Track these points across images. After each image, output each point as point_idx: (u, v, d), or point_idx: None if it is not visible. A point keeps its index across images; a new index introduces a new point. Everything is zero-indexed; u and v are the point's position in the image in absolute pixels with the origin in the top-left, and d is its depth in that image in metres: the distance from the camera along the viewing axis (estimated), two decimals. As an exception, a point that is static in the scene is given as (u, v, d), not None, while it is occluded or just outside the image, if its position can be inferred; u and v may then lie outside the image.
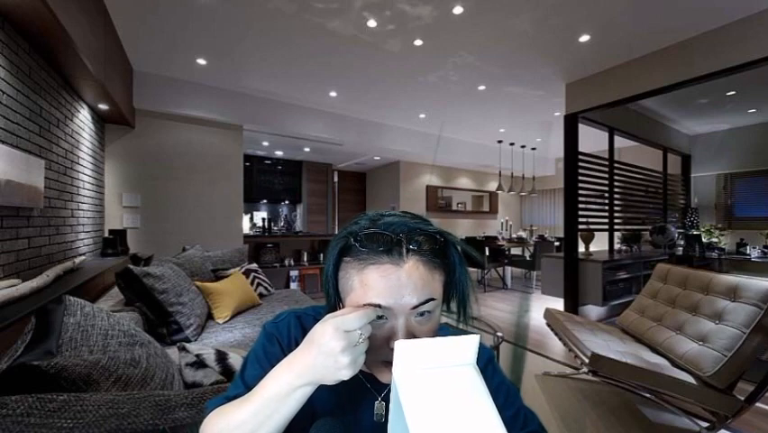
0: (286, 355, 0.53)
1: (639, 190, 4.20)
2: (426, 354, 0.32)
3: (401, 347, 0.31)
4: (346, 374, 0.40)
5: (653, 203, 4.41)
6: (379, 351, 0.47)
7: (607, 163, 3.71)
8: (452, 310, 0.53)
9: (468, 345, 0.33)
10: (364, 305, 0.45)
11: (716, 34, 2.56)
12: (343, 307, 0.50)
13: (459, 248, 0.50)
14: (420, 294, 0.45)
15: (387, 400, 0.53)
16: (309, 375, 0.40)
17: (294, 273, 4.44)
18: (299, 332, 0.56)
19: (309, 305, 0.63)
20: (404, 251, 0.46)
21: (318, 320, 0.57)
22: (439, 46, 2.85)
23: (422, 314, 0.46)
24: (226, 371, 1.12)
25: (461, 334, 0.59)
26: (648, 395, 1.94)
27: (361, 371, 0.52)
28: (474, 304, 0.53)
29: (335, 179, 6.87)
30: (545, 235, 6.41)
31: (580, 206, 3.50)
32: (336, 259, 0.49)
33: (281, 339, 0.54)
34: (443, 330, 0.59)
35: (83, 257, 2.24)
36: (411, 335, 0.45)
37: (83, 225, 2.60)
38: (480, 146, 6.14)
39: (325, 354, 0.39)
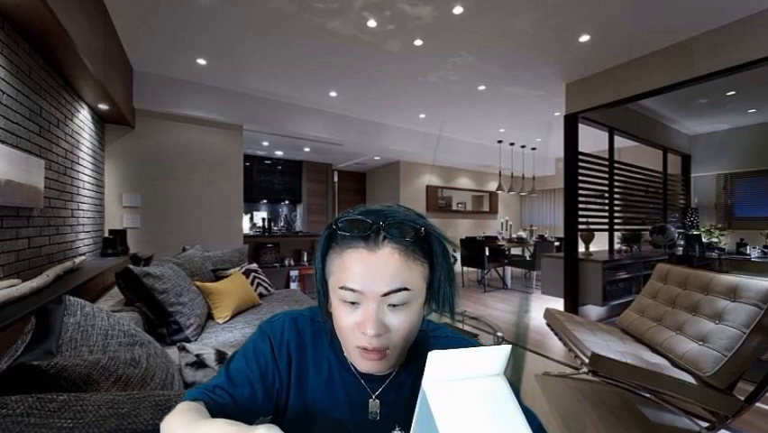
0: (274, 355, 0.54)
1: (639, 190, 4.20)
2: (458, 365, 0.32)
3: (433, 357, 0.31)
4: None
5: (653, 203, 4.41)
6: (352, 336, 0.47)
7: (607, 163, 3.71)
8: (440, 310, 0.52)
9: (499, 355, 0.33)
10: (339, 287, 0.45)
11: (716, 34, 2.56)
12: (329, 297, 0.50)
13: (442, 242, 0.49)
14: (392, 282, 0.45)
15: (380, 398, 0.53)
16: None
17: (294, 273, 4.44)
18: (293, 334, 0.56)
19: (308, 306, 0.63)
20: (380, 238, 0.46)
21: (315, 321, 0.57)
22: (439, 46, 2.85)
23: (395, 304, 0.46)
24: (226, 371, 1.11)
25: (461, 333, 0.59)
26: (648, 395, 1.94)
27: (355, 368, 0.53)
28: (456, 299, 0.52)
29: (335, 179, 6.86)
30: (545, 235, 6.41)
31: (580, 206, 3.50)
32: (324, 247, 0.50)
33: (273, 339, 0.55)
34: (440, 330, 0.59)
35: (83, 257, 2.24)
36: (381, 322, 0.45)
37: (83, 225, 2.60)
38: (480, 146, 6.14)
39: None
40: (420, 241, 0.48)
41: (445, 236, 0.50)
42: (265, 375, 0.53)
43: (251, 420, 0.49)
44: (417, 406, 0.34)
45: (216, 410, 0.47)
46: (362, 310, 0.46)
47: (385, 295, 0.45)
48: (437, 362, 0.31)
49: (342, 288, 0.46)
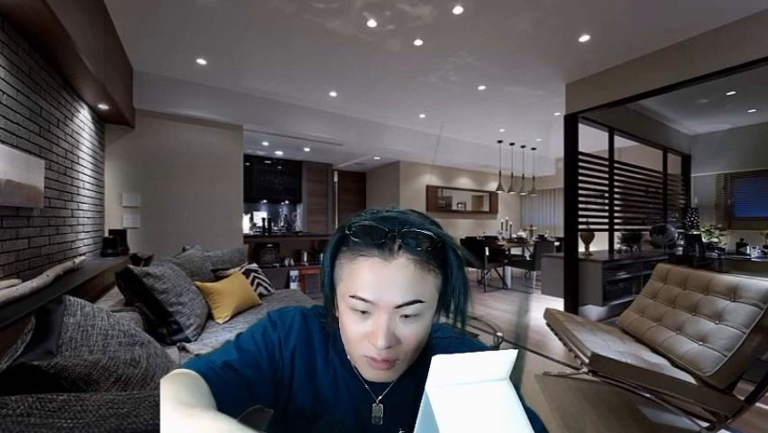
0: (281, 346, 0.53)
1: (639, 190, 4.20)
2: (462, 370, 0.32)
3: (437, 362, 0.31)
4: None
5: (653, 203, 4.40)
6: (360, 345, 0.46)
7: (607, 163, 3.71)
8: (453, 319, 0.51)
9: (504, 360, 0.32)
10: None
11: (716, 34, 2.56)
12: (336, 302, 0.49)
13: (459, 253, 0.47)
14: (405, 294, 0.43)
15: (384, 402, 0.53)
16: None
17: (294, 273, 4.44)
18: (302, 329, 0.55)
19: (310, 305, 0.62)
20: (395, 247, 0.44)
21: (323, 321, 0.57)
22: (439, 46, 2.85)
23: (407, 315, 0.45)
24: (226, 371, 1.11)
25: (462, 335, 0.59)
26: (648, 395, 1.94)
27: (359, 373, 0.52)
28: (470, 309, 0.51)
29: (335, 179, 6.87)
30: (545, 235, 6.41)
31: (580, 206, 3.49)
32: (333, 250, 0.49)
33: (282, 330, 0.54)
34: (442, 331, 0.59)
35: (83, 257, 2.24)
36: (392, 333, 0.44)
37: (83, 225, 2.60)
38: (480, 146, 6.14)
39: None
40: (435, 251, 0.46)
41: (460, 247, 0.48)
42: (272, 362, 0.52)
43: (251, 404, 0.49)
44: (420, 410, 0.33)
45: (221, 391, 0.44)
46: (373, 321, 0.45)
47: (398, 307, 0.44)
48: (441, 366, 0.31)
49: (353, 296, 0.45)
